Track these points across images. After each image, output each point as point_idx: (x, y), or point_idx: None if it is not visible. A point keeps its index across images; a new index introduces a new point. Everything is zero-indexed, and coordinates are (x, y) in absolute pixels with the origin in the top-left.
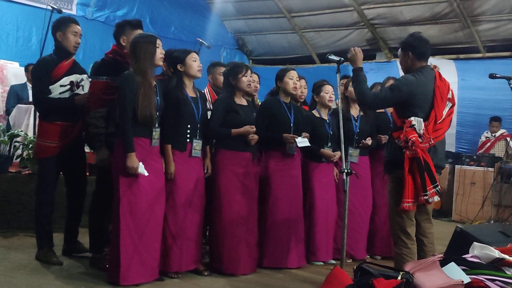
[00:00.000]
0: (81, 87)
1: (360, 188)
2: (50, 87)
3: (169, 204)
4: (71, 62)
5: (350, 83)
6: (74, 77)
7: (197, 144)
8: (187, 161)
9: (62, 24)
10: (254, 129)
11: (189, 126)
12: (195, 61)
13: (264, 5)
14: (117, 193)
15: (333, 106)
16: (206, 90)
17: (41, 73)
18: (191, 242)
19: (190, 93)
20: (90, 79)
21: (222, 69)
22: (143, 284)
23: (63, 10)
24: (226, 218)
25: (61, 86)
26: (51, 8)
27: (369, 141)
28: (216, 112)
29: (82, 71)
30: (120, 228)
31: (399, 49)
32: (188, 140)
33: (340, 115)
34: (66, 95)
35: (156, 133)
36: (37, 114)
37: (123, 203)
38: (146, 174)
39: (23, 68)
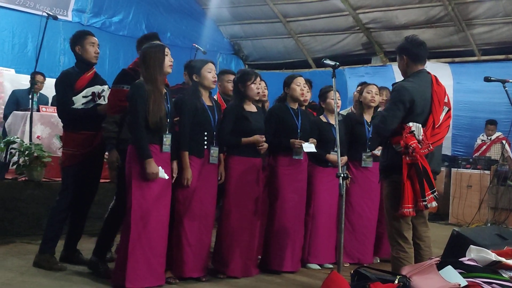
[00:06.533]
0: (102, 97)
1: (370, 193)
2: (73, 98)
3: (187, 210)
4: (92, 74)
5: (365, 89)
6: (96, 88)
7: (214, 151)
8: (205, 168)
9: (79, 37)
10: (264, 138)
11: (206, 133)
12: (210, 72)
13: (259, 10)
14: (129, 198)
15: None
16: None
17: (64, 85)
18: (205, 249)
19: (207, 101)
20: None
21: (231, 77)
22: None
23: (59, 17)
24: (235, 223)
25: (83, 97)
26: (46, 15)
27: (378, 152)
28: (226, 120)
29: (103, 82)
30: (130, 232)
31: (397, 54)
32: (205, 147)
33: (336, 119)
34: (89, 105)
35: (167, 139)
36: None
37: (135, 208)
38: (167, 177)
39: (19, 75)
